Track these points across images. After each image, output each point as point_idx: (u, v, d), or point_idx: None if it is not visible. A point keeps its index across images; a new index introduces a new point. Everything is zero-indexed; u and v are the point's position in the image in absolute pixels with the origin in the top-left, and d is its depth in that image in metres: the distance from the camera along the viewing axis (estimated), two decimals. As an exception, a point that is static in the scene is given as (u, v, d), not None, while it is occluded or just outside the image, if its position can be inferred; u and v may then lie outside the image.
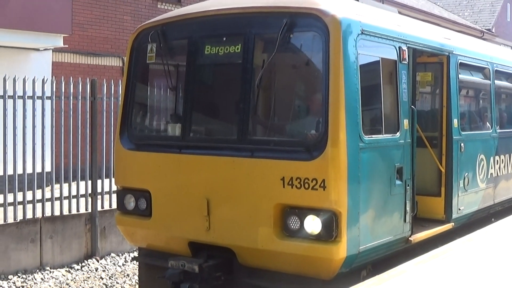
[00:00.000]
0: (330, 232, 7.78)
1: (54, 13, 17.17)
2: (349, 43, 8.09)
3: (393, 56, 9.14)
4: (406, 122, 9.20)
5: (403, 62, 9.25)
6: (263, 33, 8.76)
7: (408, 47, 9.46)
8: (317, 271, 8.04)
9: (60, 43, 17.79)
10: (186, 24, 9.37)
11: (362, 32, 8.38)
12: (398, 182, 8.96)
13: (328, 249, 7.84)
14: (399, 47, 9.22)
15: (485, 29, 46.17)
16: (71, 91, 13.19)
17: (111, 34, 21.70)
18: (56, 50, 19.19)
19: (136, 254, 12.31)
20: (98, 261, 13.48)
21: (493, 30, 47.12)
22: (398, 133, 9.03)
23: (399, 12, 11.57)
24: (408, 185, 9.19)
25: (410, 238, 9.42)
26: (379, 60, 8.88)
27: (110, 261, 13.60)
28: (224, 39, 8.84)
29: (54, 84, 12.98)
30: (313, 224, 7.88)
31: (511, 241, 10.36)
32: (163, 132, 10.09)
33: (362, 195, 8.13)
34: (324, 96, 7.91)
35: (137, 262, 10.57)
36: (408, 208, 9.21)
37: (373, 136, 8.48)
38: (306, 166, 7.89)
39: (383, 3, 31.23)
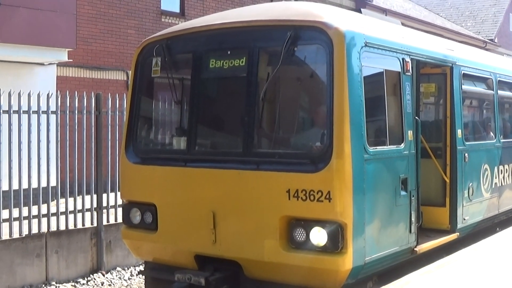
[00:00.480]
0: (336, 244, 7.81)
1: (59, 28, 17.25)
2: (353, 55, 8.14)
3: (397, 67, 9.19)
4: (410, 133, 9.24)
5: (406, 73, 9.30)
6: (268, 47, 8.81)
7: (411, 59, 9.51)
8: (324, 282, 8.05)
9: (64, 57, 17.86)
10: (190, 38, 9.43)
11: (365, 44, 8.44)
12: (403, 192, 8.99)
13: (334, 260, 7.86)
14: (403, 59, 9.27)
15: (488, 39, 46.22)
16: (76, 105, 13.23)
17: (115, 48, 21.77)
18: (60, 64, 19.26)
19: (142, 268, 12.34)
20: (103, 275, 13.49)
21: (496, 40, 47.18)
22: (402, 144, 9.06)
23: (403, 24, 11.63)
24: (413, 196, 9.22)
25: (415, 249, 9.45)
26: (383, 72, 8.93)
27: (116, 275, 13.61)
28: (229, 52, 8.89)
29: (59, 99, 13.02)
30: (319, 236, 7.90)
31: (516, 251, 10.37)
32: (169, 145, 10.14)
33: (367, 206, 8.16)
34: (329, 108, 7.96)
35: (143, 276, 10.59)
36: (413, 219, 9.24)
37: (377, 147, 8.53)
38: (312, 178, 7.92)
39: (386, 14, 31.39)
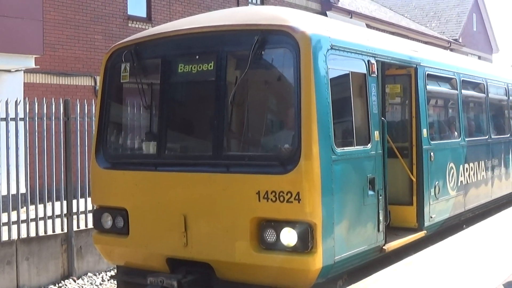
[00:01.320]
0: (306, 244, 7.92)
1: (25, 34, 17.20)
2: (319, 58, 8.27)
3: (363, 69, 9.34)
4: (377, 133, 9.39)
5: (372, 75, 9.45)
6: (235, 51, 8.93)
7: (376, 60, 9.67)
8: (295, 282, 8.17)
9: (31, 64, 17.81)
10: (159, 43, 9.51)
11: (331, 47, 8.57)
12: (370, 192, 9.14)
13: (305, 260, 7.98)
14: (368, 61, 9.43)
15: (452, 39, 46.75)
16: (45, 111, 13.22)
17: (82, 54, 21.71)
18: (27, 71, 19.17)
19: (113, 272, 12.37)
20: (75, 281, 13.46)
21: (460, 40, 47.72)
22: (369, 145, 9.22)
23: (368, 26, 11.82)
24: (380, 195, 9.37)
25: (384, 247, 9.60)
26: (349, 74, 9.06)
27: (87, 281, 13.60)
28: (197, 57, 8.98)
29: (28, 105, 13.00)
30: (289, 236, 8.02)
31: (481, 246, 10.56)
32: (139, 150, 10.17)
33: (336, 206, 8.29)
34: (296, 111, 8.08)
35: (115, 281, 10.63)
36: (381, 218, 9.39)
37: (345, 148, 8.66)
38: (281, 179, 8.04)
39: (351, 16, 31.64)
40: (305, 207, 7.92)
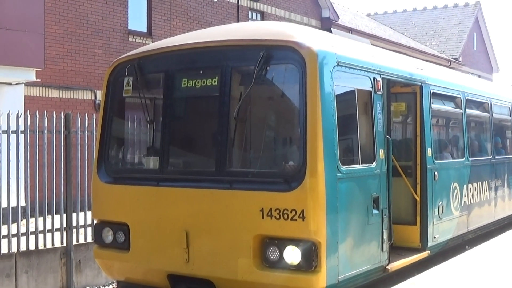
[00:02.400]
0: (309, 262, 7.83)
1: (27, 47, 17.16)
2: (325, 74, 8.20)
3: (368, 87, 9.28)
4: (381, 151, 9.32)
5: (377, 92, 9.39)
6: (240, 66, 8.85)
7: (382, 78, 9.61)
8: (298, 301, 8.06)
9: (32, 77, 17.74)
10: (162, 58, 9.44)
11: (337, 64, 8.51)
12: (375, 211, 9.06)
13: (308, 279, 7.88)
14: (374, 78, 9.36)
15: (452, 58, 46.78)
16: (46, 125, 13.14)
17: (83, 68, 21.70)
18: (28, 84, 19.12)
19: (112, 287, 12.25)
20: (73, 295, 13.37)
21: (460, 59, 47.76)
22: (374, 163, 9.14)
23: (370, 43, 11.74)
24: (384, 214, 9.29)
25: (387, 267, 9.51)
26: (354, 91, 9.00)
27: (86, 295, 13.50)
28: (201, 72, 8.91)
29: (29, 118, 12.92)
30: (292, 255, 7.92)
31: (485, 267, 10.47)
32: (141, 165, 10.10)
33: (340, 225, 8.20)
34: (302, 127, 8.00)
35: (115, 296, 10.52)
36: (385, 237, 9.30)
37: (350, 166, 8.59)
38: (285, 197, 7.95)
39: (351, 34, 31.61)
40: (310, 225, 7.82)
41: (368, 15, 52.84)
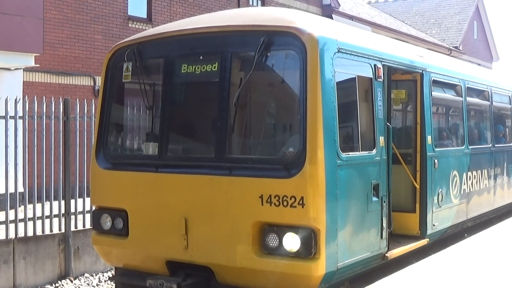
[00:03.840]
0: (309, 249, 7.80)
1: (26, 33, 17.08)
2: (326, 61, 8.15)
3: (369, 73, 9.23)
4: (382, 139, 9.28)
5: (378, 79, 9.34)
6: (240, 52, 8.79)
7: (383, 65, 9.56)
8: (296, 288, 8.04)
9: (31, 62, 17.68)
10: (162, 43, 9.38)
11: (338, 50, 8.46)
12: (374, 198, 9.02)
13: (307, 266, 7.86)
14: (375, 65, 9.31)
15: (453, 46, 46.70)
16: (44, 110, 13.10)
17: (82, 53, 21.62)
18: (27, 69, 19.06)
19: (110, 274, 12.24)
20: (71, 281, 13.35)
21: (460, 48, 47.68)
22: (374, 150, 9.10)
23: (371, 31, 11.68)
24: (384, 202, 9.26)
25: (386, 254, 9.49)
26: (355, 78, 8.95)
27: (84, 281, 13.47)
28: (201, 57, 8.87)
29: (27, 104, 12.88)
30: (292, 241, 7.90)
31: (484, 255, 10.46)
32: (140, 151, 10.08)
33: (340, 212, 8.17)
34: (302, 114, 7.95)
35: (114, 282, 10.50)
36: (384, 225, 9.27)
37: (350, 153, 8.55)
38: (285, 183, 7.91)
39: (352, 21, 31.51)
40: (309, 212, 7.79)
41: (369, 3, 52.70)
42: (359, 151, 8.82)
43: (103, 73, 9.85)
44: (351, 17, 34.09)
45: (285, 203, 7.88)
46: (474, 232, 13.06)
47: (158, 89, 9.51)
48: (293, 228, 7.88)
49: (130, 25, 23.29)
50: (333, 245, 8.05)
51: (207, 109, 9.26)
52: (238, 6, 27.46)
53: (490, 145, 14.69)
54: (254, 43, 8.26)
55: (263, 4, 29.52)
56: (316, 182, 7.83)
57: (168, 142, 9.16)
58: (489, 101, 14.85)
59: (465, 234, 13.16)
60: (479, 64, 48.38)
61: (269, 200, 7.98)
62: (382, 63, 9.55)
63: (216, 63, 8.69)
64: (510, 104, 16.69)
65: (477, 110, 15.08)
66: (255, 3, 29.28)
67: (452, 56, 42.12)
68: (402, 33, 40.64)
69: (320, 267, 7.87)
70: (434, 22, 50.45)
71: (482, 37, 54.46)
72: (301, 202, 7.79)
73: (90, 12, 21.98)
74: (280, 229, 7.97)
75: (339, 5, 34.41)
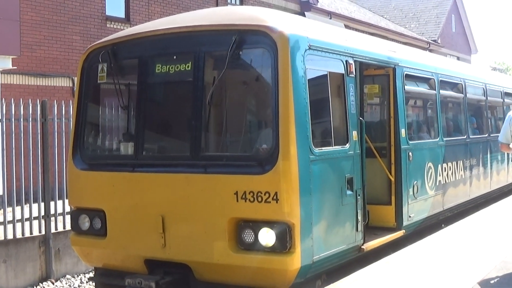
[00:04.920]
0: (284, 244, 7.91)
1: (2, 35, 17.05)
2: (297, 58, 8.26)
3: (341, 69, 9.34)
4: (355, 133, 9.40)
5: (350, 75, 9.46)
6: (213, 51, 8.88)
7: (354, 61, 9.68)
8: (273, 282, 8.16)
9: (8, 64, 17.65)
10: (136, 44, 9.46)
11: (309, 47, 8.56)
12: (349, 192, 9.14)
13: (283, 260, 7.97)
14: (346, 61, 9.43)
15: (431, 40, 46.94)
16: (22, 112, 13.13)
17: (60, 55, 21.60)
18: (4, 72, 19.01)
19: (92, 274, 12.28)
20: (53, 283, 13.38)
21: (439, 41, 47.93)
22: (347, 145, 9.22)
23: (347, 26, 11.81)
24: (359, 195, 9.38)
25: (362, 247, 9.61)
26: (327, 74, 9.07)
27: (66, 283, 13.52)
28: (175, 57, 8.95)
29: (4, 106, 12.90)
30: (267, 237, 8.00)
31: (459, 245, 10.62)
32: (116, 151, 10.13)
33: (314, 206, 8.28)
34: (274, 111, 8.06)
35: (94, 282, 10.57)
36: (359, 217, 9.39)
37: (323, 148, 8.66)
38: (259, 180, 8.02)
39: (331, 17, 31.70)
40: (283, 207, 7.90)
41: (347, -2, 52.83)
42: (332, 146, 8.93)
43: (78, 75, 9.90)
44: (330, 13, 34.25)
45: (259, 199, 7.99)
46: (451, 223, 13.23)
47: (133, 89, 9.58)
48: (268, 224, 7.99)
49: (108, 25, 23.28)
50: (308, 239, 8.16)
51: (181, 108, 9.37)
52: (217, 5, 27.50)
53: (465, 137, 14.85)
54: (226, 42, 8.36)
55: (241, 2, 29.57)
56: (290, 178, 7.94)
57: (144, 142, 9.24)
58: (463, 93, 15.01)
59: (442, 225, 13.32)
60: (458, 57, 48.80)
61: (244, 196, 8.08)
62: (354, 59, 9.67)
63: (190, 63, 8.79)
64: (484, 96, 16.87)
65: (451, 103, 15.25)
66: (233, 1, 29.32)
67: (430, 49, 42.46)
68: (381, 27, 40.83)
69: (295, 261, 7.98)
70: (412, 16, 50.68)
71: (460, 30, 54.75)
72: (275, 197, 7.90)
73: (67, 13, 21.94)
74: (256, 225, 8.08)
75: (317, 1, 34.53)
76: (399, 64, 11.31)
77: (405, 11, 51.55)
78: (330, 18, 29.93)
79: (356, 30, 30.44)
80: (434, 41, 47.13)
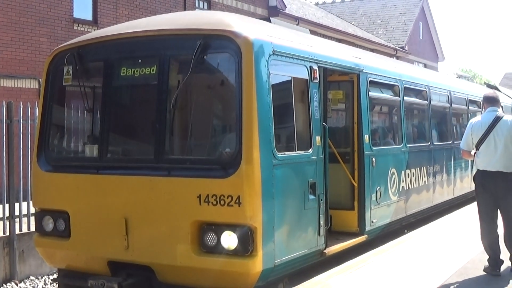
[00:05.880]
0: (246, 247, 7.99)
1: (-32, 36, 16.97)
2: (261, 63, 8.34)
3: (305, 75, 9.45)
4: (318, 138, 9.50)
5: (314, 81, 9.56)
6: (178, 55, 8.97)
7: (319, 67, 9.79)
8: (235, 285, 8.22)
9: (-26, 66, 17.56)
10: (102, 46, 9.50)
11: (273, 53, 8.66)
12: (311, 196, 9.24)
13: (245, 263, 8.04)
14: (310, 67, 9.54)
15: (399, 47, 47.28)
16: (-13, 114, 13.08)
17: (27, 56, 21.48)
18: (-29, 73, 18.93)
19: (55, 276, 12.26)
20: (17, 285, 13.32)
21: (406, 48, 48.28)
22: (310, 150, 9.32)
23: (315, 32, 11.93)
24: (321, 200, 9.48)
25: (324, 251, 9.71)
26: (291, 80, 9.17)
27: (30, 284, 13.47)
28: (140, 60, 9.01)
29: (-31, 107, 12.85)
30: (229, 240, 8.08)
31: (421, 251, 10.76)
32: (81, 153, 10.14)
33: (276, 210, 8.36)
34: (238, 115, 8.14)
35: (57, 284, 10.56)
36: (322, 222, 9.49)
37: (286, 153, 8.75)
38: (222, 183, 8.10)
39: (298, 23, 31.84)
40: (246, 211, 7.98)
41: (317, 4, 53.09)
42: (295, 151, 9.03)
43: (44, 77, 9.92)
44: (298, 18, 34.38)
45: (222, 202, 8.06)
46: (414, 228, 13.39)
47: (98, 92, 9.61)
48: (231, 227, 8.07)
49: (75, 27, 23.19)
50: (270, 243, 8.24)
51: (146, 111, 9.41)
52: (185, 9, 27.51)
53: (429, 143, 15.04)
54: (191, 46, 8.42)
55: (209, 7, 29.60)
56: (252, 181, 8.02)
57: (108, 144, 9.29)
58: (427, 100, 15.19)
59: (405, 230, 13.47)
60: (425, 64, 49.21)
61: (207, 199, 8.15)
62: (318, 64, 9.78)
63: (155, 66, 8.85)
64: (448, 103, 17.07)
65: (415, 109, 15.42)
66: (201, 6, 29.36)
67: (398, 56, 42.77)
68: (349, 34, 41.05)
69: (257, 264, 8.06)
70: (380, 22, 51.01)
71: (427, 37, 55.20)
72: (237, 201, 7.98)
73: (35, 15, 21.83)
74: (218, 228, 8.15)
75: (285, 6, 34.66)
76: (364, 71, 11.44)
77: (373, 18, 51.87)
78: (298, 24, 30.09)
79: (324, 36, 30.66)
80: (402, 48, 47.48)
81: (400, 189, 12.79)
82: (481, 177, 9.38)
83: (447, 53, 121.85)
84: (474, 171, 9.70)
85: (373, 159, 11.44)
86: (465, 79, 27.92)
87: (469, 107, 19.04)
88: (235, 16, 9.50)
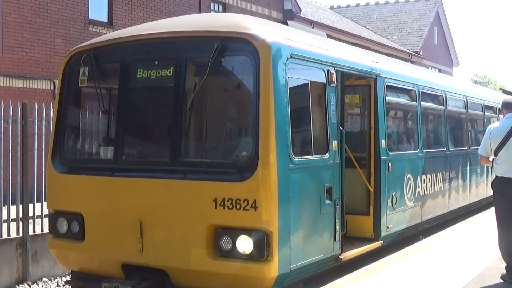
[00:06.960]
0: (261, 252, 7.92)
1: (-16, 36, 17.00)
2: (279, 66, 8.28)
3: (322, 79, 9.38)
4: (335, 143, 9.43)
5: (331, 85, 9.49)
6: (195, 57, 8.90)
7: (336, 70, 9.72)
8: (250, 290, 8.15)
9: (-10, 66, 17.59)
10: (118, 48, 9.46)
11: (291, 56, 8.59)
12: (327, 201, 9.17)
13: (260, 268, 7.97)
14: (328, 70, 9.47)
15: (413, 51, 47.17)
16: (2, 114, 13.06)
17: (42, 57, 21.51)
18: (-15, 73, 18.96)
19: (68, 278, 12.24)
20: (29, 286, 13.31)
21: (421, 53, 48.16)
22: (327, 154, 9.25)
23: (329, 36, 11.85)
24: (337, 205, 9.40)
25: (340, 256, 9.63)
26: (308, 83, 9.09)
27: (42, 286, 13.46)
28: (156, 62, 8.95)
29: (-16, 108, 12.83)
30: (245, 244, 8.01)
31: (437, 257, 10.66)
32: (96, 155, 10.11)
33: (292, 215, 8.29)
34: (255, 119, 8.08)
35: (70, 286, 10.52)
36: (337, 227, 9.41)
37: (302, 157, 8.68)
38: (238, 187, 8.03)
39: (313, 27, 31.78)
40: (262, 215, 7.91)
41: (331, 8, 53.09)
42: (312, 155, 8.95)
43: (59, 78, 9.89)
44: (312, 22, 34.35)
45: (238, 206, 7.99)
46: (429, 234, 13.29)
47: (114, 93, 9.56)
48: (246, 231, 8.00)
49: (90, 29, 23.22)
50: (286, 248, 8.17)
51: (162, 113, 9.35)
52: (200, 11, 27.51)
53: (445, 149, 14.94)
54: (208, 49, 8.36)
55: (224, 10, 29.61)
56: (269, 186, 7.95)
57: (123, 146, 9.24)
58: (443, 105, 15.10)
59: (420, 236, 13.38)
60: (440, 69, 49.04)
61: (222, 203, 8.08)
62: (336, 68, 9.71)
63: (171, 68, 8.79)
64: (465, 108, 16.97)
65: (432, 114, 15.34)
66: (216, 8, 29.35)
67: (412, 61, 42.62)
68: (363, 38, 40.97)
69: (273, 269, 7.98)
70: (395, 27, 50.92)
71: (442, 42, 55.08)
72: (253, 205, 7.91)
73: (50, 16, 21.87)
74: (234, 232, 8.08)
75: (301, 10, 34.64)
76: (381, 75, 11.37)
77: (388, 22, 51.78)
78: (313, 27, 30.02)
79: (338, 40, 30.56)
80: (416, 52, 47.36)
81: (416, 195, 12.70)
82: (499, 183, 9.28)
83: (461, 58, 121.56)
84: (493, 177, 9.60)
85: (389, 164, 11.36)
86: (480, 85, 27.77)
87: (485, 113, 18.94)
88: (253, 19, 9.45)
